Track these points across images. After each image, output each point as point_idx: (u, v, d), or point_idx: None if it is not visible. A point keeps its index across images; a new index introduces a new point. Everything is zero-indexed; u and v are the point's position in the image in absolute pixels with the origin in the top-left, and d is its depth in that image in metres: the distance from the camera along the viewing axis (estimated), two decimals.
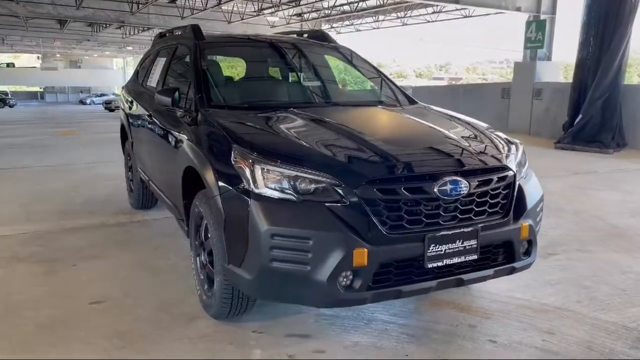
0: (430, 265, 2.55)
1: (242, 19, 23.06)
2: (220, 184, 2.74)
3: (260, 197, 2.52)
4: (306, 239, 2.42)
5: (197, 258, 3.26)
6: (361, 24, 26.44)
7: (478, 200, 2.68)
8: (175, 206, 3.82)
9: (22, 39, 37.75)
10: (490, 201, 2.73)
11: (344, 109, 3.70)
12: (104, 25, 27.54)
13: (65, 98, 61.70)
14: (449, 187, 2.55)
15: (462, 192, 2.58)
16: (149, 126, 4.33)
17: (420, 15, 23.29)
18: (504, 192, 2.78)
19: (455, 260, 2.61)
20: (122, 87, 6.17)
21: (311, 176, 2.50)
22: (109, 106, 33.50)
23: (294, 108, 3.46)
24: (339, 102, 3.85)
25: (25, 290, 3.53)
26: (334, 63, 4.33)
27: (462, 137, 3.05)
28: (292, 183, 2.51)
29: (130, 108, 5.23)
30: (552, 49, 12.38)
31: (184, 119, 3.49)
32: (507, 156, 2.91)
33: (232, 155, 2.70)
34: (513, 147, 3.04)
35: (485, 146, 2.95)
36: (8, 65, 60.18)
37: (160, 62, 4.81)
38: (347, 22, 25.95)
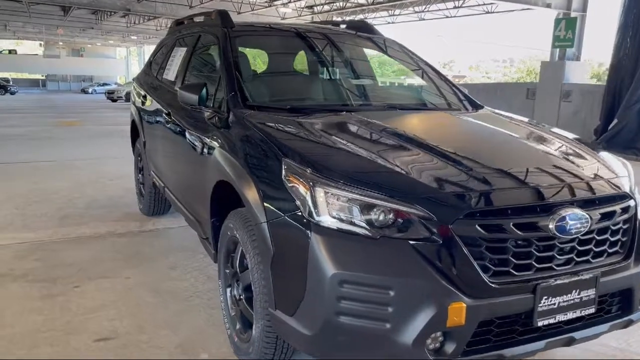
0: (540, 323, 1.98)
1: (253, 10, 22.41)
2: (268, 206, 2.17)
3: (324, 230, 1.94)
4: (386, 289, 1.85)
5: (228, 290, 2.70)
6: (375, 17, 25.73)
7: (598, 238, 2.10)
8: (198, 222, 3.25)
9: (25, 26, 37.02)
10: (611, 239, 2.15)
11: (408, 114, 3.12)
12: (109, 13, 26.89)
13: (67, 86, 60.98)
14: (568, 222, 1.97)
15: (584, 228, 2.01)
16: (167, 126, 3.75)
17: (439, 10, 22.51)
18: (624, 226, 2.21)
19: (570, 315, 2.04)
20: (133, 79, 5.59)
21: (392, 205, 1.92)
22: (111, 96, 32.82)
23: (347, 112, 2.89)
24: (398, 105, 3.25)
25: (19, 321, 2.95)
26: (382, 58, 3.74)
27: (566, 154, 2.48)
28: (366, 213, 1.93)
29: (143, 103, 4.64)
30: (582, 49, 11.78)
31: (213, 121, 2.92)
32: (625, 180, 2.33)
33: (283, 172, 2.12)
34: (626, 168, 2.46)
35: (598, 167, 2.36)
36: (10, 52, 59.43)
37: (179, 53, 4.23)
38: (360, 16, 25.29)
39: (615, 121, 9.54)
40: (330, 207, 1.95)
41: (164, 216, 5.00)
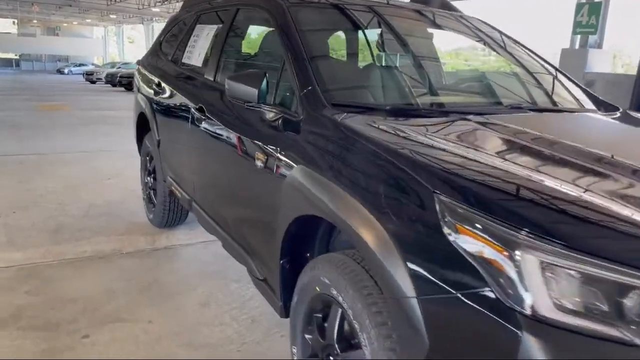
0: None
1: None
2: (415, 270, 1.39)
3: (546, 330, 1.17)
4: None
5: None
6: None
7: None
8: (250, 256, 2.47)
9: None
10: None
11: (551, 117, 2.34)
12: None
13: (41, 66, 58.75)
14: None
15: None
16: (199, 125, 2.93)
17: None
18: None
19: None
20: (138, 63, 4.71)
21: None
22: (90, 77, 31.53)
23: (473, 114, 2.11)
24: (525, 105, 2.45)
25: None
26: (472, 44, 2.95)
27: None
28: (618, 299, 1.17)
29: (156, 93, 3.79)
30: (604, 36, 11.10)
31: (279, 125, 2.13)
32: None
33: (442, 216, 1.34)
34: None
35: None
36: None
37: (206, 33, 3.40)
38: None
39: None
40: (556, 288, 1.18)
41: (179, 227, 4.19)
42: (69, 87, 26.46)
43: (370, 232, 1.53)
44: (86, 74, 32.96)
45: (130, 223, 4.30)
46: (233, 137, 2.50)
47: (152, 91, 3.89)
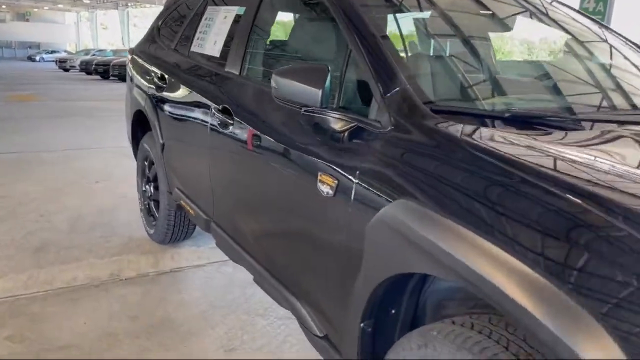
0: None
1: None
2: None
3: None
4: None
5: None
6: None
7: None
8: (298, 301, 1.93)
9: None
10: None
11: None
12: None
13: (11, 54, 56.76)
14: None
15: None
16: (224, 131, 2.35)
17: None
18: None
19: None
20: (130, 51, 4.09)
21: None
22: (64, 65, 30.48)
23: (592, 121, 1.59)
24: None
25: None
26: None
27: None
28: None
29: (159, 88, 3.19)
30: (610, 24, 10.71)
31: (355, 138, 1.59)
32: None
33: None
34: None
35: None
36: None
37: (223, 15, 2.82)
38: None
39: None
40: None
41: (184, 243, 3.61)
42: (41, 75, 25.38)
43: (536, 298, 1.00)
44: (59, 62, 31.80)
45: (127, 238, 3.70)
46: (278, 149, 1.94)
47: (153, 85, 3.29)
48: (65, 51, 47.76)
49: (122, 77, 21.06)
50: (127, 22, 41.73)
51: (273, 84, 1.80)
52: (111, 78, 21.90)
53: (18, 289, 2.91)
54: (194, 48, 3.04)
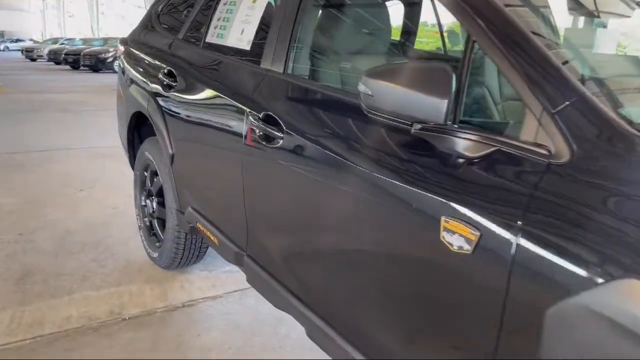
0: None
1: None
2: None
3: None
4: None
5: None
6: None
7: None
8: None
9: None
10: None
11: None
12: None
13: None
14: None
15: None
16: (268, 146, 1.83)
17: None
18: None
19: None
20: (122, 41, 3.53)
21: None
22: (30, 54, 29.34)
23: None
24: None
25: None
26: None
27: None
28: None
29: (167, 86, 2.65)
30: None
31: (505, 171, 1.10)
32: None
33: None
34: None
35: None
36: None
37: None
38: None
39: None
40: None
41: (194, 267, 3.09)
42: (6, 65, 24.21)
43: None
44: (25, 51, 30.54)
45: (125, 262, 3.16)
46: (367, 178, 1.43)
47: (157, 83, 2.75)
48: (31, 40, 46.00)
49: (93, 68, 20.17)
50: (96, 9, 40.24)
51: (363, 89, 1.31)
52: (82, 68, 20.96)
53: (0, 337, 2.36)
54: (211, 39, 2.52)
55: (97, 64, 20.16)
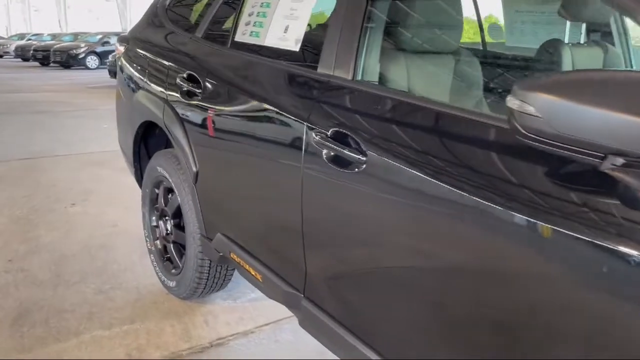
0: None
1: None
2: None
3: None
4: None
5: None
6: None
7: None
8: None
9: None
10: None
11: None
12: None
13: None
14: None
15: None
16: (346, 172, 1.47)
17: None
18: None
19: None
20: (121, 39, 3.13)
21: None
22: None
23: None
24: None
25: None
26: None
27: None
28: None
29: (187, 94, 2.26)
30: None
31: None
32: None
33: None
34: None
35: None
36: None
37: None
38: None
39: None
40: None
41: (216, 297, 2.73)
42: None
43: None
44: None
45: (136, 293, 2.78)
46: (519, 224, 1.08)
47: (174, 89, 2.36)
48: None
49: (64, 64, 19.39)
50: (63, 3, 38.94)
51: (520, 106, 0.96)
52: (52, 65, 20.16)
53: None
54: (241, 37, 2.14)
55: (68, 60, 19.36)
